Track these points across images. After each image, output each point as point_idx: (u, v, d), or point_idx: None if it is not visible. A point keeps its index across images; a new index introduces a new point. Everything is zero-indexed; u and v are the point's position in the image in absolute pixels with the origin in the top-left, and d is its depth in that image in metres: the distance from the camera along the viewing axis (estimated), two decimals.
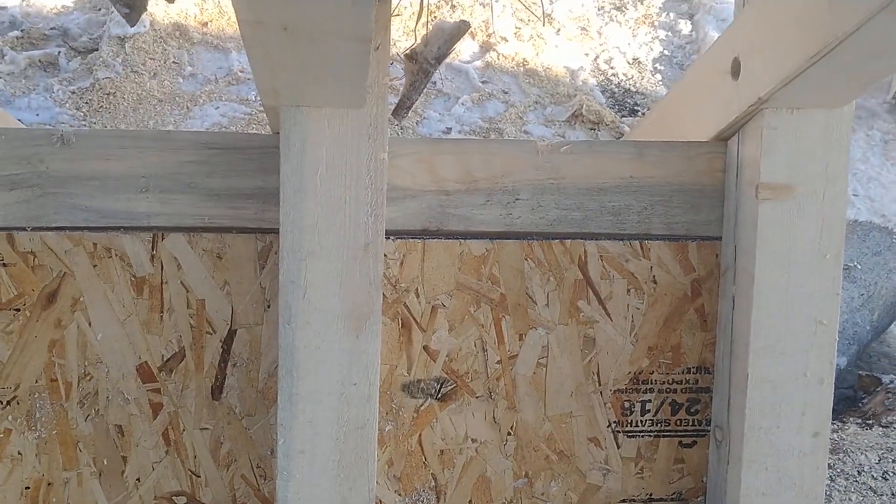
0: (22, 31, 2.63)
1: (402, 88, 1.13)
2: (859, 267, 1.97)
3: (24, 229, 1.19)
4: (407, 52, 1.10)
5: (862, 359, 2.03)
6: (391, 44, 1.10)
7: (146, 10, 0.89)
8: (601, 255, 1.28)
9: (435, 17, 2.73)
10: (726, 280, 1.27)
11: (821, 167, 1.16)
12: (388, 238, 1.24)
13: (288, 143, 1.08)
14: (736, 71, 1.18)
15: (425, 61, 1.09)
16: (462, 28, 1.07)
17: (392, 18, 1.11)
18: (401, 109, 1.13)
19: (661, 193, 1.27)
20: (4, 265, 1.19)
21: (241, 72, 2.60)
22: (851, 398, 1.94)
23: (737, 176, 1.23)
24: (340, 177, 1.10)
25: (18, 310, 1.21)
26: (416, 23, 1.14)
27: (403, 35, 2.58)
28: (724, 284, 1.28)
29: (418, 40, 1.09)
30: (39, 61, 2.55)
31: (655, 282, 1.30)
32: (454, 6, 2.77)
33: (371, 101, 1.08)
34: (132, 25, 0.87)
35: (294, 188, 1.10)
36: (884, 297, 1.99)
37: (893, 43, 0.93)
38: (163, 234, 1.21)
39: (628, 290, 1.30)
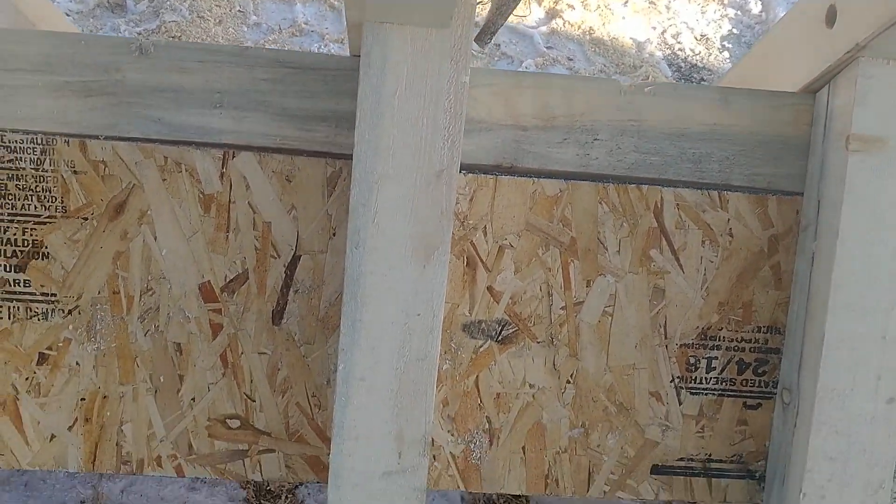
0: None
1: (486, 13, 1.10)
2: None
3: (97, 137, 1.18)
4: None
5: None
6: None
7: None
8: (678, 204, 1.24)
9: None
10: (806, 236, 1.23)
11: None
12: (459, 172, 1.21)
13: (368, 61, 1.06)
14: (831, 18, 1.13)
15: None
16: None
17: None
18: (484, 35, 1.11)
19: (744, 143, 1.23)
20: (75, 173, 1.19)
21: (304, 24, 2.59)
22: None
23: (825, 128, 1.19)
24: (419, 98, 1.07)
25: (86, 219, 1.20)
26: None
27: None
28: (804, 241, 1.23)
29: None
30: (108, 2, 2.55)
31: (732, 235, 1.25)
32: None
33: (456, 22, 1.06)
34: None
35: (371, 108, 1.07)
36: None
37: None
38: (233, 152, 1.20)
39: (703, 242, 1.26)
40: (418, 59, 1.06)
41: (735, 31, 2.88)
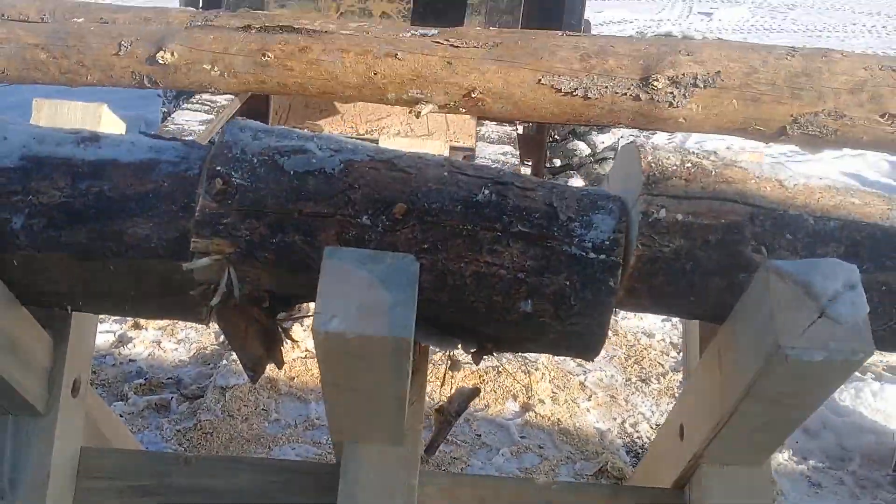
0: (145, 379, 3.22)
1: (431, 434, 1.56)
2: None
3: None
4: (436, 407, 1.55)
5: None
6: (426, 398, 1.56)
7: (264, 372, 1.38)
8: None
9: (482, 380, 3.24)
10: None
11: None
12: None
13: (346, 469, 1.50)
14: (681, 434, 1.58)
15: (449, 415, 1.53)
16: (475, 392, 1.52)
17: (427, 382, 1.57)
18: (430, 449, 1.55)
19: None
20: None
21: (316, 419, 3.09)
22: None
23: None
24: (381, 498, 1.49)
25: None
26: (440, 388, 1.60)
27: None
28: None
29: (444, 400, 1.55)
30: (155, 404, 3.10)
31: None
32: (500, 372, 3.28)
33: (408, 441, 1.51)
34: (254, 383, 1.35)
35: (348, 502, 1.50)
36: None
37: (768, 421, 1.34)
38: None
39: None
40: (380, 467, 1.50)
41: None
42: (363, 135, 4.21)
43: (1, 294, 1.30)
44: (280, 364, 1.39)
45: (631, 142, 1.42)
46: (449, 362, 1.48)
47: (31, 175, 1.25)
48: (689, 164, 1.33)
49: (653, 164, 1.33)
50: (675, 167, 1.33)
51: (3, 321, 1.30)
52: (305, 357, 3.33)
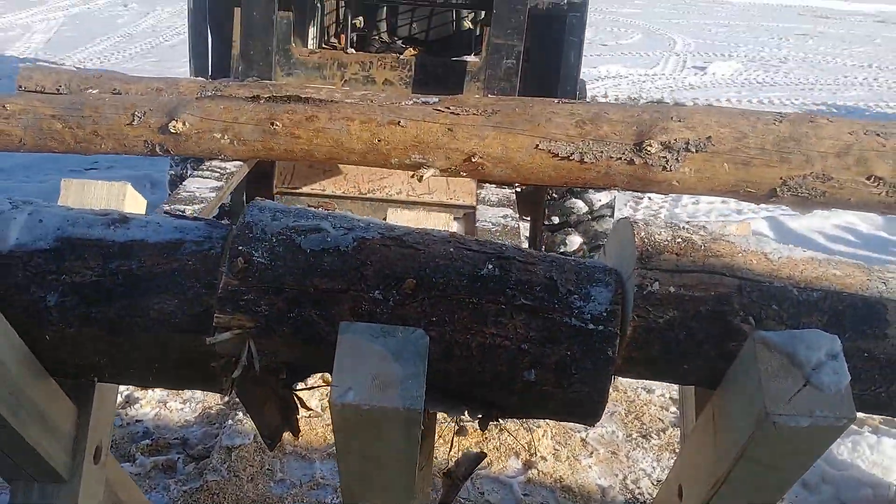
0: (152, 439, 3.27)
1: (440, 496, 1.62)
2: None
3: None
4: (445, 471, 1.61)
5: None
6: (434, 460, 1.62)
7: (280, 439, 1.45)
8: None
9: (485, 437, 3.29)
10: None
11: None
12: None
13: None
14: (680, 494, 1.64)
15: (456, 478, 1.59)
16: (481, 457, 1.59)
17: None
18: None
19: None
20: None
21: (321, 478, 3.13)
22: None
23: None
24: None
25: None
26: (449, 451, 1.66)
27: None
28: None
29: (451, 464, 1.61)
30: (161, 465, 3.14)
31: None
32: (502, 429, 3.33)
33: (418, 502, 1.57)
34: (271, 450, 1.41)
35: None
36: None
37: (761, 483, 1.40)
38: None
39: None
40: None
41: None
42: (366, 194, 4.32)
43: (32, 367, 1.37)
44: (296, 432, 1.46)
45: (625, 218, 1.51)
46: (456, 428, 1.55)
47: (65, 255, 1.34)
48: (679, 239, 1.42)
49: (646, 240, 1.41)
50: (666, 242, 1.42)
51: (33, 393, 1.38)
52: (310, 416, 3.38)
